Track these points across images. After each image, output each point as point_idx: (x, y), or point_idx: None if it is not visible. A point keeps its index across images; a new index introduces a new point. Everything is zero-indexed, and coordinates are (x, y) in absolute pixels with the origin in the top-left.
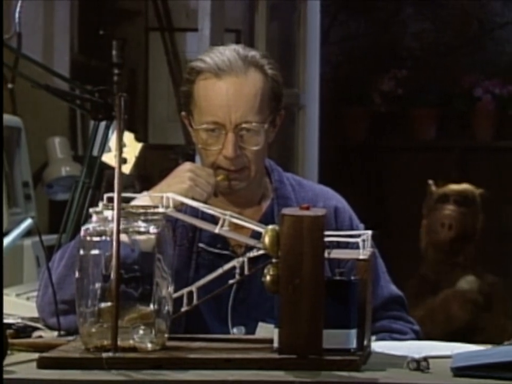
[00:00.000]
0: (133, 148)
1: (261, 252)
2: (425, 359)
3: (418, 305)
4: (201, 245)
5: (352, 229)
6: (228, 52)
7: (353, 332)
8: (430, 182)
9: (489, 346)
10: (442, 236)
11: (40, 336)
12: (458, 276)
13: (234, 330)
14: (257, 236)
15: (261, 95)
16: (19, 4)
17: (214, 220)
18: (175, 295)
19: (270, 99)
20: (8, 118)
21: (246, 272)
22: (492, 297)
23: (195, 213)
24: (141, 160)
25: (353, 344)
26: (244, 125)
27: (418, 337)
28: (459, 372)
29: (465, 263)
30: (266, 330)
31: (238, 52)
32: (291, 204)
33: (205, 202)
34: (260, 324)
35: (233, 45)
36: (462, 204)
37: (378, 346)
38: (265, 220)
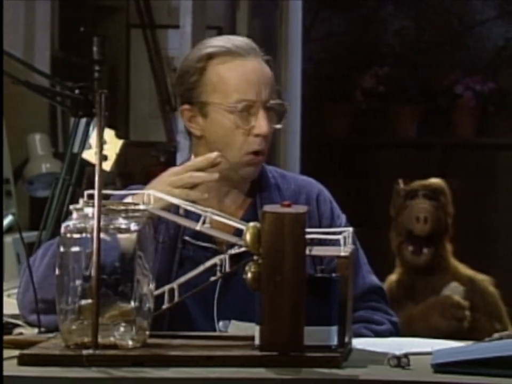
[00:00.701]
0: (113, 144)
1: (243, 249)
2: (406, 355)
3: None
4: (186, 238)
5: (333, 219)
6: (236, 37)
7: (334, 329)
8: (400, 180)
9: (469, 343)
10: (419, 230)
11: (21, 333)
12: (438, 278)
13: (220, 324)
14: (240, 232)
15: (272, 76)
16: None
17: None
18: (157, 292)
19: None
20: None
21: (227, 269)
22: (480, 300)
23: (178, 209)
24: (121, 157)
25: (335, 341)
26: (271, 102)
27: (396, 329)
28: (439, 368)
29: (443, 263)
30: (239, 328)
31: (248, 40)
32: (274, 196)
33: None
34: (233, 322)
35: (230, 35)
36: (431, 198)
37: (359, 343)
38: (249, 213)
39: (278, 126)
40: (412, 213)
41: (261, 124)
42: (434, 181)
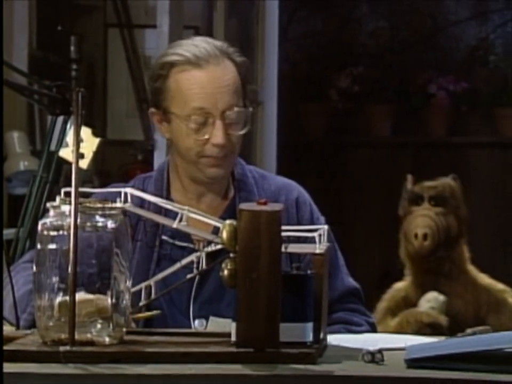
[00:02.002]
0: (90, 143)
1: (219, 246)
2: (380, 351)
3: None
4: (164, 237)
5: (312, 222)
6: (203, 43)
7: (310, 325)
8: (409, 177)
9: (442, 338)
10: (417, 247)
11: None
12: (450, 286)
13: (196, 323)
14: (218, 231)
15: (236, 82)
16: None
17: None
18: (134, 289)
19: (241, 86)
20: None
21: (203, 266)
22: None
23: (158, 208)
24: (99, 155)
25: (310, 338)
26: (229, 112)
27: (374, 330)
28: (413, 363)
29: (456, 270)
30: (218, 325)
31: (210, 42)
32: (253, 197)
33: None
34: (211, 318)
35: (199, 37)
36: (438, 203)
37: (334, 339)
38: (228, 213)
39: (241, 132)
40: (412, 225)
41: (216, 134)
42: (443, 181)
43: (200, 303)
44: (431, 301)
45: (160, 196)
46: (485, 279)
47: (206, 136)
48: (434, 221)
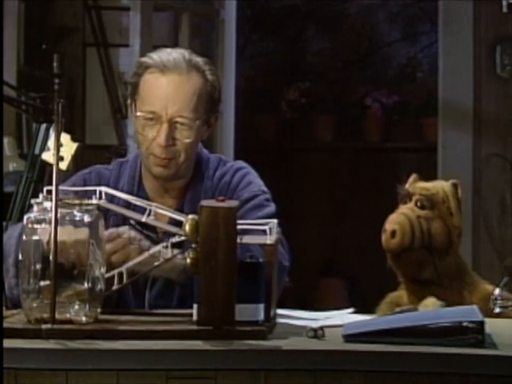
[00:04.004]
0: (69, 147)
1: (183, 238)
2: (321, 328)
3: None
4: (132, 222)
5: (248, 187)
6: (175, 53)
7: (261, 306)
8: (413, 176)
9: (374, 316)
10: (384, 243)
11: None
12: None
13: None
14: (174, 223)
15: (198, 96)
16: None
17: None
18: (108, 274)
19: (207, 101)
20: None
21: (169, 255)
22: None
23: (127, 202)
24: (78, 158)
25: (261, 317)
26: (178, 119)
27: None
28: (349, 338)
29: (443, 281)
30: None
31: (184, 55)
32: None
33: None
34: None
35: (181, 49)
36: (425, 206)
37: (283, 318)
38: (181, 206)
39: (185, 141)
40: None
41: (160, 135)
42: (439, 185)
43: (155, 292)
44: (428, 306)
45: (133, 182)
46: (486, 286)
47: (151, 136)
48: (410, 220)
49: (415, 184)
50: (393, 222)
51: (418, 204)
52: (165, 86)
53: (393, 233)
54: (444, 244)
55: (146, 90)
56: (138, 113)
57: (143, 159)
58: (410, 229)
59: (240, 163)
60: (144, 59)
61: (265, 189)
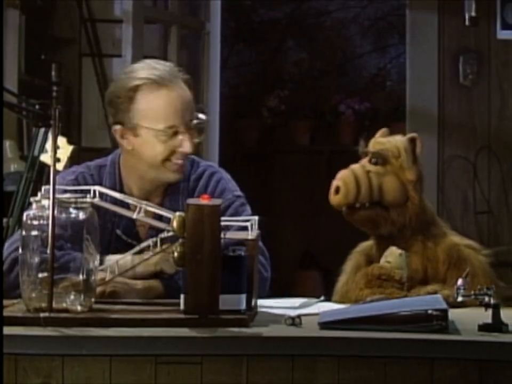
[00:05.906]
0: (65, 149)
1: (171, 233)
2: (299, 316)
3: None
4: (118, 231)
5: (223, 195)
6: (158, 65)
7: (243, 296)
8: (383, 129)
9: (348, 305)
10: (330, 199)
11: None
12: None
13: None
14: (158, 219)
15: (191, 97)
16: None
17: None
18: (101, 267)
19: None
20: None
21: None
22: None
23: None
24: (74, 159)
25: (243, 306)
26: (193, 122)
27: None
28: (324, 325)
29: (404, 233)
30: None
31: (163, 64)
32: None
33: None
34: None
35: (148, 60)
36: (378, 162)
37: (263, 306)
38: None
39: (197, 140)
40: None
41: (185, 144)
42: (394, 141)
43: None
44: (387, 256)
45: (114, 189)
46: (453, 237)
47: (177, 144)
48: (356, 176)
49: (374, 139)
50: (338, 178)
51: (373, 160)
52: (174, 98)
53: (337, 189)
54: (398, 198)
55: (155, 108)
56: (159, 127)
57: (149, 170)
58: (355, 185)
59: (213, 167)
60: (134, 82)
61: (239, 192)
